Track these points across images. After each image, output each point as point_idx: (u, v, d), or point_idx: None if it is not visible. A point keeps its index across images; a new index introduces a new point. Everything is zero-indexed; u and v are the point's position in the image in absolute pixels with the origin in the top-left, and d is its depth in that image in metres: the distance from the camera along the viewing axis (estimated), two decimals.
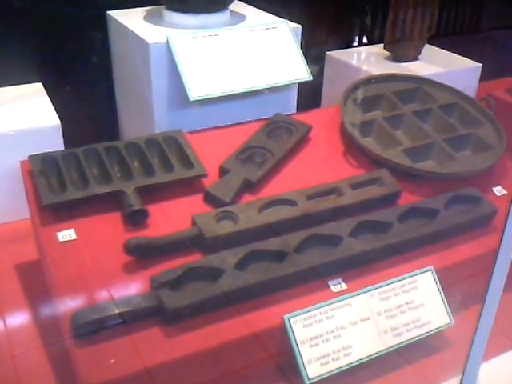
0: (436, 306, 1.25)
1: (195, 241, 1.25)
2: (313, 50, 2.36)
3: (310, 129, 1.66)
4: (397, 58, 2.16)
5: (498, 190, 1.60)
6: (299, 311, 1.11)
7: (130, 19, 1.85)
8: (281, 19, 1.90)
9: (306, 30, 2.43)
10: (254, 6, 2.05)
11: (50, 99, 1.80)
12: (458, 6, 3.30)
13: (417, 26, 2.12)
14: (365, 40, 3.11)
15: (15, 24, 1.91)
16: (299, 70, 1.77)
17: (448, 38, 3.48)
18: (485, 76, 2.25)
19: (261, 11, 2.01)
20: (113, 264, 1.22)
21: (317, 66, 2.29)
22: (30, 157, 1.43)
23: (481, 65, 2.20)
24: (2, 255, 1.60)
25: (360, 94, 1.77)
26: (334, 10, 2.75)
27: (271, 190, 1.47)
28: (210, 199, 1.38)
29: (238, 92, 1.67)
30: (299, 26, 1.85)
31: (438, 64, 2.16)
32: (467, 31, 3.59)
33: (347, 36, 2.97)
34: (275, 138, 1.60)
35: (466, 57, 2.30)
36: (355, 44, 3.06)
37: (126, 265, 1.21)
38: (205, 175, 1.43)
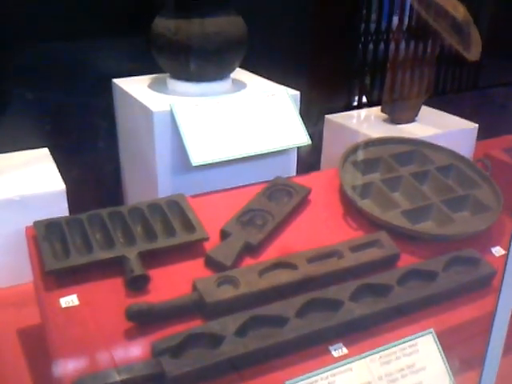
0: (437, 368, 1.25)
1: (197, 306, 1.26)
2: (313, 112, 2.42)
3: (309, 191, 1.69)
4: (394, 120, 2.21)
5: (497, 251, 1.62)
6: (300, 377, 1.11)
7: (134, 87, 1.91)
8: (280, 86, 1.96)
9: (306, 92, 2.51)
10: (254, 73, 2.13)
11: (56, 164, 1.84)
12: (455, 64, 3.39)
13: (414, 89, 2.19)
14: (364, 99, 3.19)
15: (22, 90, 1.98)
16: (298, 135, 1.82)
17: (446, 95, 3.56)
18: (483, 134, 2.29)
19: (260, 78, 2.08)
20: (114, 330, 1.22)
21: (317, 127, 2.34)
22: (36, 223, 1.45)
23: (477, 125, 2.25)
24: (4, 319, 1.61)
25: (358, 157, 1.81)
26: (333, 71, 2.84)
27: (272, 252, 1.49)
28: (212, 263, 1.40)
29: (238, 157, 1.71)
30: (297, 92, 1.91)
31: (435, 125, 2.21)
32: (465, 89, 3.67)
33: (347, 96, 3.05)
34: (275, 200, 1.63)
35: (464, 115, 2.35)
36: (355, 104, 3.14)
37: (127, 330, 1.22)
38: (206, 239, 1.45)
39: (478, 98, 3.68)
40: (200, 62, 1.77)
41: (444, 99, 3.53)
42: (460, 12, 1.95)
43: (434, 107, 2.41)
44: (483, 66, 3.26)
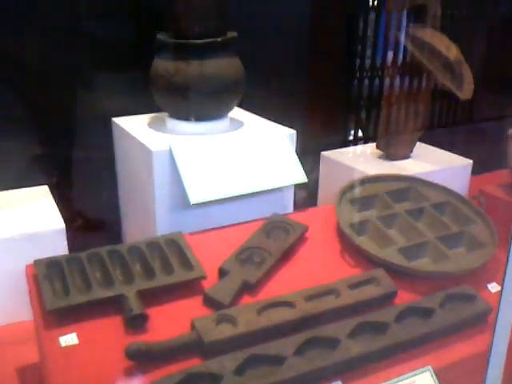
0: None
1: (195, 345, 1.27)
2: (310, 146, 2.46)
3: (306, 229, 1.71)
4: (389, 156, 2.25)
5: (493, 287, 1.63)
6: None
7: (134, 126, 1.95)
8: (276, 125, 2.00)
9: (303, 127, 2.55)
10: (251, 111, 2.17)
11: (55, 200, 1.86)
12: (449, 98, 3.45)
13: (409, 125, 2.22)
14: (360, 134, 3.24)
15: (21, 129, 2.02)
16: (295, 173, 1.85)
17: (441, 129, 3.61)
18: (478, 167, 2.32)
19: (257, 117, 2.12)
20: (114, 369, 1.23)
21: (313, 162, 2.37)
22: (36, 261, 1.47)
23: (471, 161, 2.29)
24: (3, 357, 1.61)
25: (354, 195, 1.83)
26: (329, 107, 2.89)
27: (270, 290, 1.50)
28: (210, 301, 1.41)
29: (236, 195, 1.74)
30: (294, 131, 1.95)
31: (430, 162, 2.25)
32: (460, 123, 3.72)
33: (343, 131, 3.09)
34: (273, 238, 1.65)
35: (459, 149, 2.39)
36: (351, 138, 3.19)
37: (126, 369, 1.22)
38: (204, 277, 1.46)
39: (473, 132, 3.73)
40: (198, 103, 1.81)
41: (439, 133, 3.58)
42: (452, 52, 2.00)
43: (428, 141, 2.45)
44: (477, 100, 3.32)
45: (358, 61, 3.05)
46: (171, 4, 1.79)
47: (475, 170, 2.31)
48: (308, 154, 2.31)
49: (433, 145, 2.44)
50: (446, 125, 3.71)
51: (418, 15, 2.10)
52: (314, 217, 1.84)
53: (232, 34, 1.86)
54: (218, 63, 1.79)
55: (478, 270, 1.63)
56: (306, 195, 2.30)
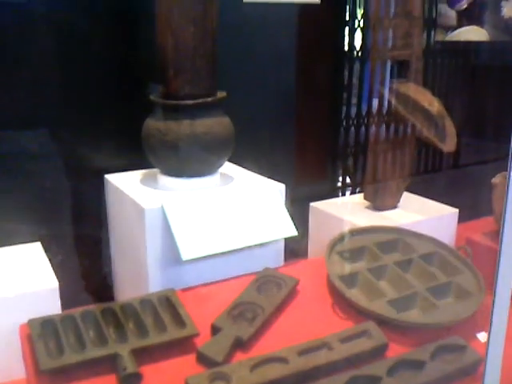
0: None
1: None
2: (299, 195, 2.49)
3: (297, 282, 1.74)
4: (377, 207, 2.29)
5: (483, 336, 1.65)
6: None
7: (126, 183, 1.99)
8: (266, 179, 2.05)
9: (292, 177, 2.60)
10: (240, 165, 2.21)
11: (48, 256, 1.88)
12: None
13: (394, 174, 2.27)
14: (348, 180, 3.28)
15: (15, 186, 2.04)
16: (285, 227, 1.89)
17: (427, 174, 3.66)
18: (465, 213, 2.36)
19: (247, 171, 2.17)
20: None
21: (303, 212, 2.40)
22: (30, 321, 1.48)
23: (457, 210, 2.33)
24: None
25: (343, 247, 1.87)
26: (317, 156, 2.94)
27: (263, 345, 1.51)
28: (203, 359, 1.42)
29: (227, 250, 1.77)
30: (283, 185, 1.99)
31: (416, 211, 2.29)
32: (446, 167, 3.78)
33: (331, 179, 3.13)
34: (265, 292, 1.67)
35: (446, 194, 2.43)
36: (339, 184, 3.23)
37: None
38: (197, 335, 1.48)
39: (459, 177, 3.79)
40: (189, 161, 1.86)
41: (425, 178, 3.63)
42: (435, 106, 2.06)
43: (414, 187, 2.48)
44: (463, 145, 3.38)
45: (343, 109, 3.12)
46: (162, 66, 1.85)
47: (462, 216, 2.35)
48: (297, 201, 2.35)
49: (419, 191, 2.49)
50: (432, 170, 3.77)
51: (401, 70, 2.17)
52: (305, 269, 1.87)
53: (222, 93, 1.92)
54: (209, 122, 1.84)
55: (466, 319, 1.65)
56: (297, 245, 2.33)
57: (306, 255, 2.38)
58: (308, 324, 1.62)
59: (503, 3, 3.05)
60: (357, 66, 3.09)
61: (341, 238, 1.91)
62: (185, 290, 1.71)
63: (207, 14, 1.79)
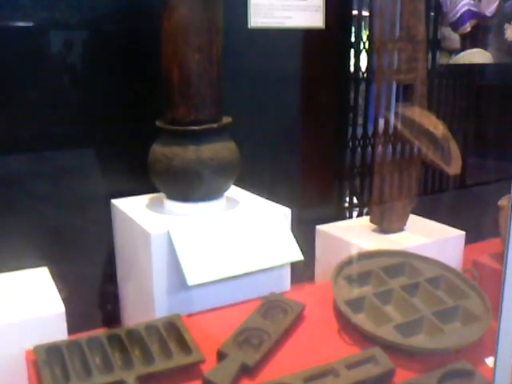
0: None
1: None
2: (306, 216, 2.49)
3: (303, 308, 1.73)
4: (383, 230, 2.29)
5: (491, 361, 1.63)
6: None
7: (132, 208, 2.00)
8: (271, 203, 2.05)
9: (298, 198, 2.60)
10: (246, 188, 2.22)
11: (55, 281, 1.88)
12: None
13: (400, 196, 2.26)
14: (355, 200, 3.28)
15: (21, 209, 2.06)
16: (291, 252, 1.89)
17: (434, 194, 3.65)
18: (472, 235, 2.36)
19: (252, 195, 2.18)
20: None
21: (309, 234, 2.40)
22: (36, 347, 1.48)
23: (464, 233, 2.32)
24: None
25: (350, 271, 1.87)
26: (323, 176, 2.94)
27: (269, 371, 1.50)
28: None
29: (233, 275, 1.77)
30: (288, 209, 1.99)
31: (423, 234, 2.28)
32: (452, 188, 3.77)
33: (338, 199, 3.13)
34: (271, 318, 1.67)
35: (453, 215, 2.42)
36: (346, 205, 3.22)
37: None
38: (203, 361, 1.48)
39: (466, 197, 3.77)
40: (195, 186, 1.87)
41: (432, 198, 3.62)
42: (439, 130, 2.07)
43: (422, 207, 2.48)
44: (470, 165, 3.38)
45: (350, 130, 3.12)
46: (168, 92, 1.87)
47: (469, 237, 2.34)
48: (305, 222, 2.36)
49: (425, 212, 2.48)
50: (438, 190, 3.75)
51: (405, 93, 2.18)
52: (311, 294, 1.87)
53: (227, 118, 1.94)
54: (214, 147, 1.86)
55: (474, 344, 1.64)
56: (303, 267, 2.32)
57: (313, 277, 2.38)
58: (314, 350, 1.62)
59: (506, 26, 3.07)
60: (362, 86, 3.10)
61: (347, 263, 1.91)
62: (191, 315, 1.71)
63: (212, 42, 1.81)
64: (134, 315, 2.07)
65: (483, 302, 1.79)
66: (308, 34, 2.50)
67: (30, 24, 2.00)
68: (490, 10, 2.98)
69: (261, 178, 2.37)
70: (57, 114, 2.10)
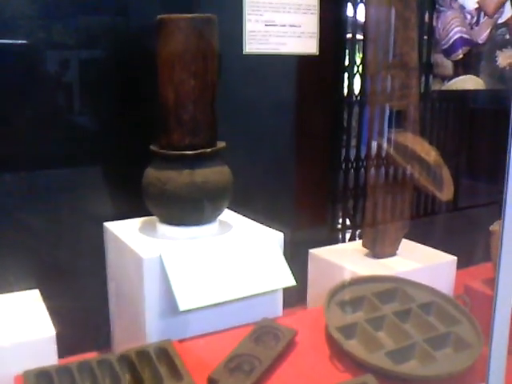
0: None
1: None
2: (299, 239, 2.50)
3: (295, 334, 1.73)
4: (376, 255, 2.29)
5: None
6: None
7: (125, 231, 2.00)
8: (264, 227, 2.06)
9: (291, 221, 2.60)
10: (239, 211, 2.23)
11: (46, 303, 1.87)
12: None
13: (393, 221, 2.27)
14: (348, 222, 3.28)
15: (12, 230, 2.05)
16: (284, 277, 1.89)
17: (426, 217, 3.66)
18: (464, 258, 2.36)
19: (245, 218, 2.18)
20: None
21: (303, 256, 2.40)
22: (26, 373, 1.47)
23: (455, 258, 2.33)
24: None
25: (342, 297, 1.87)
26: (316, 198, 2.95)
27: None
28: None
29: (225, 301, 1.77)
30: (281, 233, 2.00)
31: (415, 259, 2.28)
32: (445, 210, 3.78)
33: (331, 220, 3.13)
34: (263, 344, 1.67)
35: (445, 238, 2.42)
36: (339, 226, 3.23)
37: None
38: None
39: (458, 220, 3.79)
40: (188, 210, 1.87)
41: (424, 221, 3.63)
42: (431, 156, 2.09)
43: (414, 230, 2.48)
44: (463, 187, 3.39)
45: (343, 152, 3.14)
46: (164, 117, 1.88)
47: (461, 261, 2.35)
48: (298, 244, 2.36)
49: (417, 235, 2.49)
50: (431, 212, 3.76)
51: (398, 119, 2.20)
52: (304, 320, 1.86)
53: (221, 143, 1.95)
54: (208, 172, 1.87)
55: (465, 371, 1.64)
56: (296, 290, 2.32)
57: (305, 299, 2.38)
58: (306, 376, 1.61)
59: (497, 53, 3.11)
60: (356, 109, 3.12)
61: (339, 288, 1.91)
62: (182, 340, 1.70)
63: (208, 68, 1.83)
64: (125, 339, 2.06)
65: (474, 328, 1.79)
66: (302, 59, 2.53)
67: (27, 43, 2.01)
68: (481, 37, 3.03)
69: (254, 201, 2.38)
70: (51, 135, 2.10)
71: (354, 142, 3.21)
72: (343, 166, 3.11)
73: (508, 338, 1.20)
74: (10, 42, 1.98)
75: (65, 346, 1.75)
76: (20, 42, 2.00)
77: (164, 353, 1.58)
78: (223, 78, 1.94)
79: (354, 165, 3.19)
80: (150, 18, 1.88)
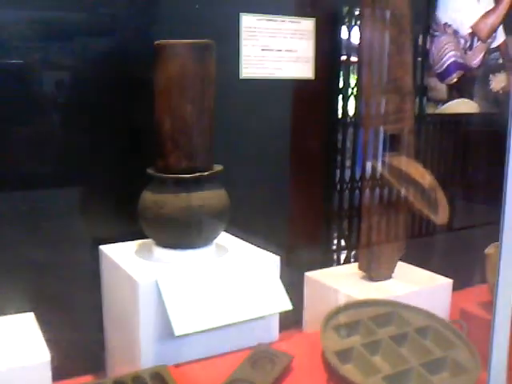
0: None
1: None
2: (294, 260, 2.50)
3: (291, 359, 1.73)
4: (371, 278, 2.29)
5: None
6: None
7: (120, 255, 2.00)
8: (260, 250, 2.06)
9: (287, 243, 2.60)
10: (236, 233, 2.23)
11: (40, 326, 1.86)
12: None
13: (388, 242, 2.28)
14: (343, 243, 3.28)
15: (6, 252, 2.04)
16: (280, 301, 1.89)
17: (421, 238, 3.66)
18: (460, 279, 2.36)
19: (242, 241, 2.18)
20: None
21: (298, 278, 2.40)
22: None
23: (451, 281, 2.33)
24: None
25: (338, 321, 1.87)
26: (311, 219, 2.95)
27: None
28: None
29: (221, 325, 1.76)
30: (278, 257, 2.01)
31: (411, 282, 2.29)
32: (440, 231, 3.78)
33: (326, 241, 3.13)
34: (259, 369, 1.66)
35: (440, 259, 2.42)
36: (334, 248, 3.23)
37: None
38: None
39: (453, 241, 3.79)
40: (185, 233, 1.88)
41: (419, 242, 3.63)
42: (426, 179, 2.10)
43: (409, 251, 2.48)
44: (458, 208, 3.40)
45: (337, 173, 3.15)
46: (160, 141, 1.89)
47: (457, 282, 2.35)
48: (293, 265, 2.36)
49: (413, 257, 2.49)
50: (426, 233, 3.77)
51: (393, 142, 2.22)
52: (300, 344, 1.86)
53: (218, 167, 1.96)
54: (205, 195, 1.87)
55: None
56: (291, 313, 2.32)
57: (301, 321, 2.37)
58: None
59: (491, 77, 3.15)
60: (350, 130, 3.14)
61: (335, 312, 1.91)
62: (177, 365, 1.69)
63: (205, 93, 1.84)
64: (120, 363, 2.05)
65: (471, 352, 1.79)
66: (297, 83, 2.55)
67: (23, 64, 2.02)
68: (475, 61, 3.07)
69: (250, 223, 2.38)
70: (46, 156, 2.10)
71: (348, 163, 3.23)
72: (338, 187, 3.12)
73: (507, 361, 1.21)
74: (6, 61, 1.99)
75: (59, 369, 1.73)
76: (14, 61, 2.00)
77: (159, 378, 1.57)
78: (220, 102, 1.96)
79: (349, 185, 3.20)
80: (148, 42, 1.90)
